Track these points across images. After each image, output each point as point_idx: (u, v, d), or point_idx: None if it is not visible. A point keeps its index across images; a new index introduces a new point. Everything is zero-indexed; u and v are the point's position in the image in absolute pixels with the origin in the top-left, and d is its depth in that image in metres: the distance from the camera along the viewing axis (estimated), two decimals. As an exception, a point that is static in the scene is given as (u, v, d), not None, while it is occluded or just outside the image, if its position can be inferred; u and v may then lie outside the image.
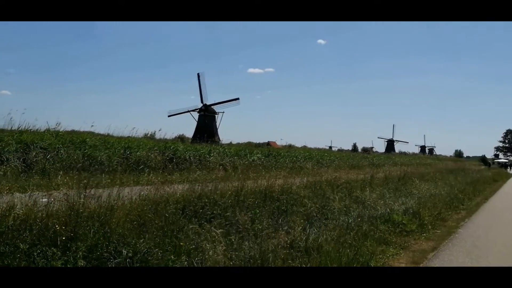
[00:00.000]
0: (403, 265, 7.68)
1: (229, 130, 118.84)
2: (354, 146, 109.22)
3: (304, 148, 59.98)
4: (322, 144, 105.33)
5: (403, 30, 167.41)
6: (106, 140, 19.86)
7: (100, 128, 37.97)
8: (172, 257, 5.73)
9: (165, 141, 26.55)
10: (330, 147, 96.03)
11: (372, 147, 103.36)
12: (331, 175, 15.57)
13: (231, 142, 48.61)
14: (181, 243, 6.13)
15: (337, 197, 11.81)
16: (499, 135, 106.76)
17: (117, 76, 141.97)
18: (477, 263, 7.79)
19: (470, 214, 14.67)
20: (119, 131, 25.39)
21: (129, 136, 24.74)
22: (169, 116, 53.18)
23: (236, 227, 7.57)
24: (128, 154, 17.64)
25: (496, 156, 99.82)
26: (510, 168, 71.62)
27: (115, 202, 6.68)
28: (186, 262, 5.75)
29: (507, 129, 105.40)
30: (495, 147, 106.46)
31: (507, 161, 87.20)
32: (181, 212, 7.46)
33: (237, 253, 6.29)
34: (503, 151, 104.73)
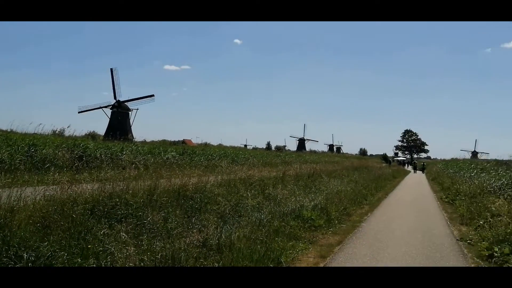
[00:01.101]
0: (311, 259, 7.92)
1: (144, 128, 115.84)
2: (268, 144, 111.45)
3: (220, 146, 60.00)
4: (238, 142, 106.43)
5: (312, 29, 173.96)
6: (8, 137, 18.46)
7: (2, 124, 35.27)
8: (79, 260, 5.44)
9: (74, 138, 25.22)
10: (245, 146, 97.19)
11: (285, 146, 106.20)
12: (245, 173, 15.73)
13: (145, 140, 47.41)
14: (89, 245, 5.83)
15: (250, 195, 11.96)
16: (399, 135, 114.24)
17: (24, 72, 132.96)
18: (377, 255, 8.24)
19: (373, 208, 15.51)
20: (24, 128, 23.72)
21: (35, 133, 23.20)
22: (79, 112, 50.79)
23: (148, 227, 7.37)
24: (32, 152, 16.47)
25: (396, 154, 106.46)
26: (407, 166, 76.90)
27: (16, 203, 6.20)
28: (94, 265, 5.48)
29: (405, 129, 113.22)
30: (395, 146, 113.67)
31: (405, 159, 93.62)
32: (89, 213, 7.11)
33: (148, 253, 6.12)
34: (402, 150, 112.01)
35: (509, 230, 8.88)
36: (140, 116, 70.54)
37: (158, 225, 7.48)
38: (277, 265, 7.20)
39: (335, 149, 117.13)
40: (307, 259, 7.93)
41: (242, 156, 34.60)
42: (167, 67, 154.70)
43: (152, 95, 52.83)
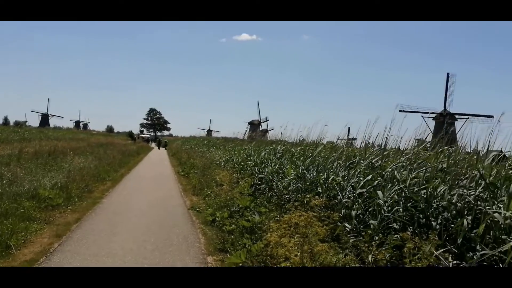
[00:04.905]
0: (46, 239, 7.31)
1: None
2: (5, 119, 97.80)
3: None
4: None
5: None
6: None
7: None
8: None
9: None
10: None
11: (26, 121, 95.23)
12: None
13: None
14: None
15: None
16: (144, 113, 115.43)
17: None
18: (115, 229, 8.18)
19: (115, 184, 15.28)
20: None
21: None
22: None
23: None
24: None
25: (141, 132, 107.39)
26: (152, 142, 78.61)
27: None
28: None
29: (150, 108, 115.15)
30: (140, 124, 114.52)
31: (149, 136, 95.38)
32: None
33: None
34: (147, 128, 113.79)
35: (228, 197, 9.99)
36: None
37: None
38: (6, 249, 6.43)
39: (81, 125, 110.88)
40: (41, 240, 7.29)
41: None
42: None
43: None
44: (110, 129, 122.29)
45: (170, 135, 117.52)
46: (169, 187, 15.47)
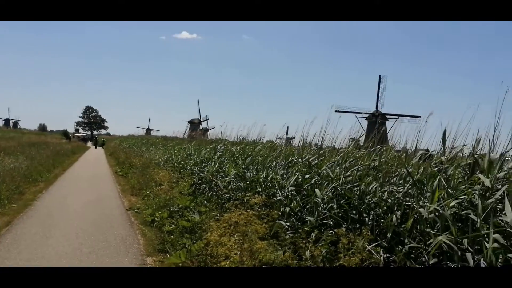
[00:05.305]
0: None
1: None
2: None
3: None
4: None
5: None
6: None
7: None
8: None
9: None
10: None
11: None
12: None
13: None
14: None
15: None
16: (80, 111, 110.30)
17: None
18: (49, 232, 7.78)
19: (48, 185, 14.54)
20: None
21: None
22: None
23: None
24: None
25: (77, 130, 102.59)
26: (88, 142, 75.43)
27: None
28: None
29: (86, 105, 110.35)
30: (75, 122, 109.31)
31: (85, 135, 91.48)
32: None
33: None
34: (83, 126, 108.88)
35: (168, 197, 9.81)
36: None
37: None
38: None
39: (11, 124, 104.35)
40: (-34, 246, 6.78)
41: None
42: None
43: None
44: (43, 128, 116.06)
45: (108, 134, 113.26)
46: (107, 188, 14.93)
